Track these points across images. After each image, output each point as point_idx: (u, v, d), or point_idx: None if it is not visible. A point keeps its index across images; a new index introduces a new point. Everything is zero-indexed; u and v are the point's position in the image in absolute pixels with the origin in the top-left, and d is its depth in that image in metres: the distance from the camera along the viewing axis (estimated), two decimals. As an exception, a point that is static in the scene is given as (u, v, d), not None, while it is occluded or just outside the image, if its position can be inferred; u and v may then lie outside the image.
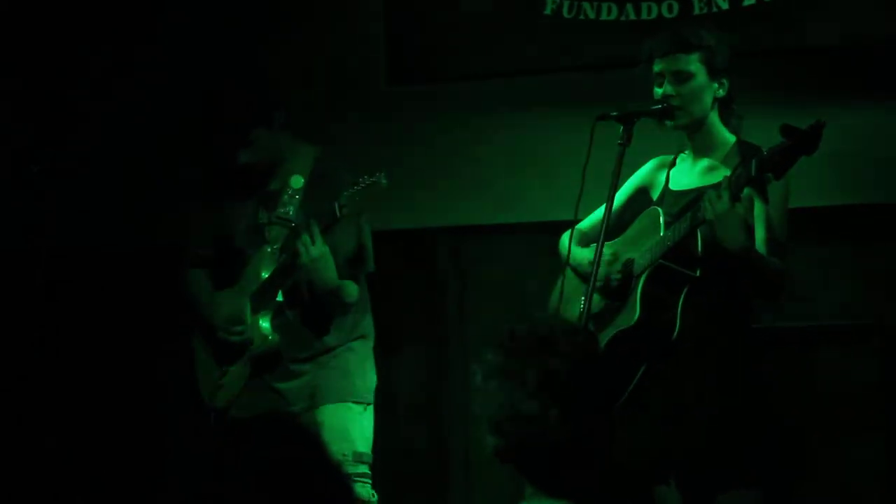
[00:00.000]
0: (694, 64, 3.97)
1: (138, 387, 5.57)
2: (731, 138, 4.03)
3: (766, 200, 3.78)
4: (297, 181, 4.48)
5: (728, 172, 3.81)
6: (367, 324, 4.56)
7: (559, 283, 4.15)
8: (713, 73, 3.98)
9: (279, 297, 4.44)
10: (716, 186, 3.79)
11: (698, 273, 3.87)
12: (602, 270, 3.94)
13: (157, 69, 5.59)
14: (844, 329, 4.88)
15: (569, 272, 4.14)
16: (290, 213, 4.46)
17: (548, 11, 5.13)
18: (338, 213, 4.25)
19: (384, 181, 4.23)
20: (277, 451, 2.22)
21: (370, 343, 4.56)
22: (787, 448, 4.27)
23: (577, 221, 4.11)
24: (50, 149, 5.47)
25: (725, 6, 4.92)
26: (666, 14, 4.97)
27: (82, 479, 5.56)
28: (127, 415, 5.56)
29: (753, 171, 3.69)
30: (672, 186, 4.09)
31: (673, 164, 4.13)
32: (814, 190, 4.74)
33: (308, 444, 2.26)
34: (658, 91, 3.98)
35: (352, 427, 4.43)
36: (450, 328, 5.40)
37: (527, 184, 5.23)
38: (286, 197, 4.47)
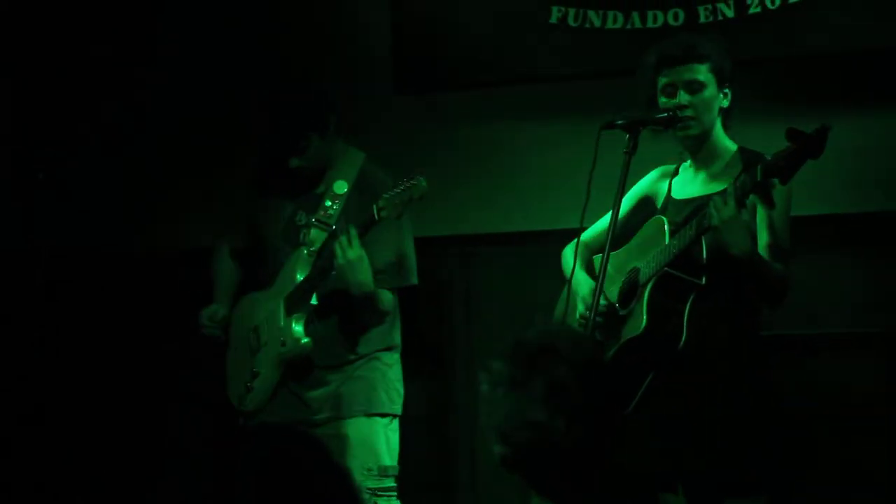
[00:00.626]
0: (705, 74, 3.97)
1: (138, 386, 5.58)
2: (733, 147, 4.04)
3: (770, 206, 3.78)
4: (341, 186, 4.46)
5: (730, 181, 3.82)
6: (397, 334, 4.53)
7: (565, 292, 4.14)
8: (721, 83, 3.99)
9: (314, 301, 4.41)
10: (721, 193, 3.79)
11: (704, 281, 3.87)
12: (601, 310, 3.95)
13: (158, 71, 5.60)
14: (850, 336, 4.89)
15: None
16: (332, 217, 4.43)
17: (553, 20, 5.12)
18: (376, 216, 4.23)
19: (424, 183, 4.22)
20: (291, 460, 2.23)
21: (398, 353, 4.54)
22: (793, 455, 4.27)
23: (583, 230, 4.11)
24: (51, 149, 5.49)
25: (731, 14, 4.91)
26: (672, 22, 4.97)
27: (82, 479, 5.57)
28: (127, 415, 5.56)
29: (759, 175, 3.68)
30: (675, 195, 4.09)
31: (675, 174, 4.13)
32: (820, 197, 4.75)
33: (325, 456, 2.27)
34: (670, 102, 3.97)
35: (377, 440, 4.41)
36: (457, 336, 5.40)
37: (532, 192, 5.23)
38: (328, 201, 4.45)
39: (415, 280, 4.49)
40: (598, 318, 3.89)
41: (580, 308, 4.05)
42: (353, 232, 4.24)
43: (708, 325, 3.86)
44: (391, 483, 4.39)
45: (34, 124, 5.65)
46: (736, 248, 3.76)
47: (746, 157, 3.95)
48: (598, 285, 3.86)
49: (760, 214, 3.88)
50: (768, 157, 3.71)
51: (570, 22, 5.10)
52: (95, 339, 5.63)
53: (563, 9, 5.11)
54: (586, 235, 4.18)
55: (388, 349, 4.49)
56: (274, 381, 4.44)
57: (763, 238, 3.88)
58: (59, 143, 5.58)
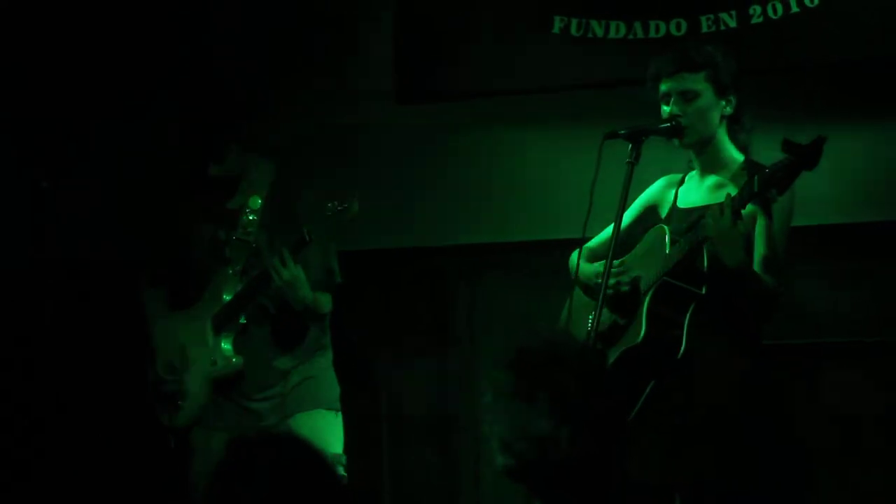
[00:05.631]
0: (700, 83, 3.98)
1: (139, 389, 5.58)
2: (740, 157, 4.03)
3: (769, 217, 3.79)
4: (255, 201, 4.48)
5: (735, 190, 3.83)
6: (328, 338, 4.57)
7: (568, 301, 4.15)
8: (720, 91, 3.99)
9: (242, 320, 4.45)
10: (720, 204, 3.80)
11: (704, 291, 3.87)
12: (611, 281, 3.95)
13: (157, 76, 5.60)
14: (853, 346, 4.89)
15: (577, 290, 4.15)
16: (251, 233, 4.46)
17: (556, 30, 5.14)
18: (307, 238, 4.27)
19: (356, 207, 4.25)
20: (289, 467, 2.24)
21: (330, 355, 4.57)
22: (795, 465, 4.27)
23: (586, 240, 4.11)
24: (54, 160, 5.50)
25: (733, 24, 4.92)
26: (674, 32, 4.98)
27: (82, 483, 5.57)
28: (127, 419, 5.56)
29: (756, 186, 3.70)
30: (680, 204, 4.09)
31: (682, 183, 4.14)
32: (823, 207, 4.76)
33: (322, 463, 2.29)
34: (665, 110, 3.99)
35: (327, 431, 4.44)
36: (459, 346, 5.40)
37: (535, 202, 5.23)
38: (245, 217, 4.47)
39: (339, 279, 4.52)
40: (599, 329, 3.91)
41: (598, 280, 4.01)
42: (287, 254, 4.28)
43: (709, 336, 3.87)
44: (342, 472, 4.37)
45: (37, 133, 5.65)
46: (729, 260, 3.77)
47: (753, 168, 3.95)
48: (601, 295, 3.86)
49: (759, 226, 3.88)
50: (767, 168, 3.73)
51: (573, 32, 5.11)
52: (97, 345, 5.63)
53: (565, 19, 5.12)
54: (592, 243, 4.20)
55: (322, 350, 4.53)
56: (203, 398, 4.46)
57: (760, 250, 3.88)
58: (62, 157, 5.59)
